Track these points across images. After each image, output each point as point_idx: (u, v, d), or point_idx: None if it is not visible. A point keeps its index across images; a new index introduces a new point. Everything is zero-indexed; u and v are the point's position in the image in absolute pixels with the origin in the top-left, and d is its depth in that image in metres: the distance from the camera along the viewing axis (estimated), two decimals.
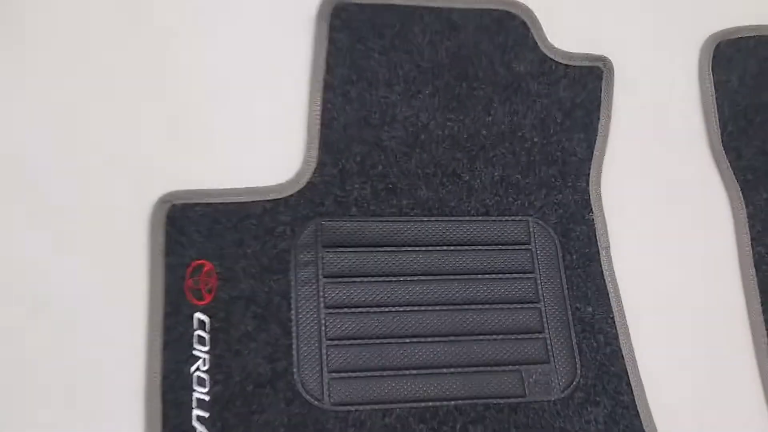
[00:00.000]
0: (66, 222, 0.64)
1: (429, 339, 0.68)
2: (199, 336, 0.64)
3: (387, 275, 0.69)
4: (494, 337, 0.69)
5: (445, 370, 0.66)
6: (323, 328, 0.65)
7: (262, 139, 0.70)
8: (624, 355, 0.68)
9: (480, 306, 0.69)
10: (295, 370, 0.64)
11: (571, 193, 0.74)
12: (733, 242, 0.70)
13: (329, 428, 0.60)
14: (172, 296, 0.64)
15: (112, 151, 0.67)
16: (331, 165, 0.69)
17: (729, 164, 0.74)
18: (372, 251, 0.70)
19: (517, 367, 0.67)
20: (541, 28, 0.75)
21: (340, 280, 0.68)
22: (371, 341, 0.67)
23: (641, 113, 0.75)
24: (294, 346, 0.64)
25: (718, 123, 0.76)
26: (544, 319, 0.70)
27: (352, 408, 0.62)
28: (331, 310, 0.67)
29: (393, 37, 0.72)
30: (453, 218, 0.71)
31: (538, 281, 0.71)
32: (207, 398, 0.65)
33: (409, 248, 0.70)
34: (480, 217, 0.72)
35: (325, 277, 0.69)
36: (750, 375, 0.66)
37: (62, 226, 0.63)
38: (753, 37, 0.78)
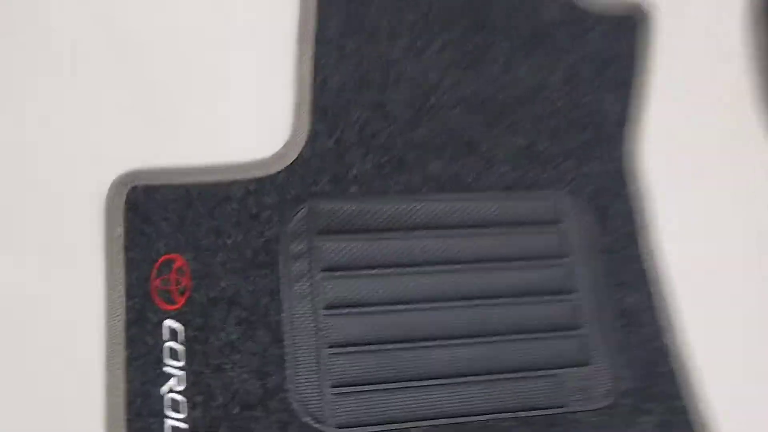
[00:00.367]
0: (2, 214, 0.50)
1: (447, 342, 0.58)
2: (170, 349, 0.54)
3: (395, 266, 0.59)
4: (524, 336, 0.59)
5: (468, 379, 0.57)
6: (321, 333, 0.56)
7: (241, 106, 0.60)
8: (674, 351, 0.59)
9: (506, 300, 0.60)
10: (289, 386, 0.54)
11: (606, 163, 0.64)
12: None
13: None
14: (136, 300, 0.54)
15: (59, 123, 0.53)
16: (326, 135, 0.60)
17: None
18: (377, 238, 0.60)
19: (552, 371, 0.59)
20: None
21: (339, 273, 0.58)
22: (380, 347, 0.57)
23: (685, 69, 0.63)
24: (287, 357, 0.55)
25: None
26: (581, 313, 0.60)
27: (360, 430, 0.53)
28: (329, 311, 0.57)
29: None
30: (470, 195, 0.62)
31: (572, 267, 0.62)
32: (184, 426, 0.53)
33: (421, 233, 0.60)
34: (502, 193, 0.63)
35: (321, 270, 0.59)
36: None
37: None
38: None
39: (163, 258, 0.56)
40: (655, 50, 0.71)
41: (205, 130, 0.58)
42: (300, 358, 0.55)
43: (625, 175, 0.68)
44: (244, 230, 0.57)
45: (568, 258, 0.62)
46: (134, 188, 0.56)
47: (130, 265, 0.55)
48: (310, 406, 0.53)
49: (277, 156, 0.59)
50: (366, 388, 0.55)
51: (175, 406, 0.52)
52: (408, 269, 0.59)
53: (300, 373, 0.54)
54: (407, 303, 0.58)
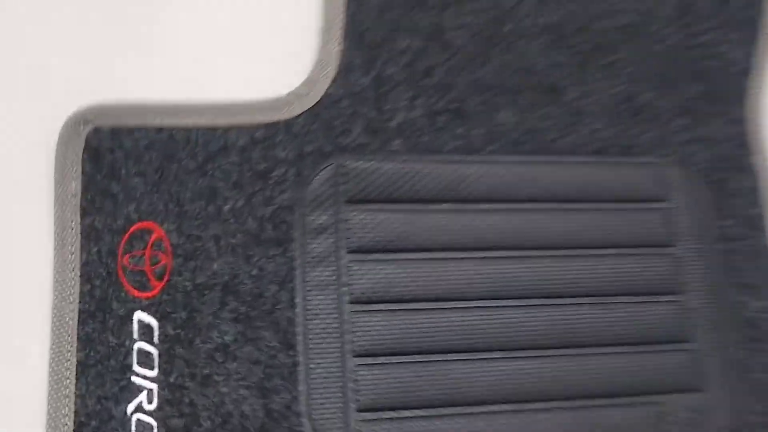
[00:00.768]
0: None
1: (515, 354, 0.46)
2: (141, 352, 0.42)
3: (447, 249, 0.47)
4: (616, 350, 0.47)
5: (540, 406, 0.45)
6: (347, 336, 0.44)
7: (246, 24, 0.47)
8: None
9: (593, 300, 0.48)
10: (302, 408, 0.42)
11: (726, 125, 0.52)
12: None
13: None
14: (96, 284, 0.42)
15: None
16: (361, 69, 0.48)
17: None
18: (424, 210, 0.47)
19: (653, 398, 0.46)
20: None
21: (373, 257, 0.46)
22: (424, 358, 0.45)
23: None
24: (300, 368, 0.43)
25: None
26: (692, 321, 0.48)
27: None
28: (359, 307, 0.45)
29: None
30: (550, 158, 0.49)
31: (681, 260, 0.49)
32: None
33: (483, 206, 0.48)
34: (591, 158, 0.50)
35: (349, 251, 0.46)
36: None
37: None
38: None
39: (134, 227, 0.43)
40: None
41: (195, 55, 0.45)
42: (318, 371, 0.43)
43: (750, 141, 0.51)
44: (247, 194, 0.44)
45: (676, 247, 0.49)
46: (96, 130, 0.44)
47: (89, 236, 0.42)
48: None
49: (295, 95, 0.46)
50: (405, 413, 0.44)
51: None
52: (464, 254, 0.47)
53: (317, 391, 0.43)
54: (462, 299, 0.46)
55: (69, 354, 0.41)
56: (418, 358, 0.44)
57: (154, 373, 0.42)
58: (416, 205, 0.47)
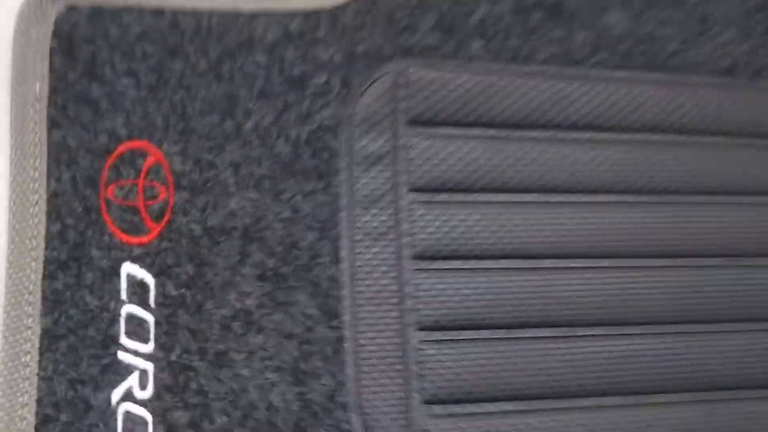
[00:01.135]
0: None
1: (628, 330, 0.35)
2: (132, 318, 0.31)
3: (541, 190, 0.36)
4: (760, 326, 0.37)
5: (660, 399, 0.35)
6: (409, 302, 0.33)
7: None
8: None
9: (729, 260, 0.37)
10: (349, 398, 0.32)
11: None
12: None
13: None
14: (69, 223, 0.31)
15: None
16: None
17: None
18: (510, 138, 0.36)
19: None
20: None
21: (443, 198, 0.35)
22: (511, 334, 0.34)
23: None
24: (347, 345, 0.32)
25: None
26: None
27: None
28: (425, 264, 0.34)
29: None
30: (669, 78, 0.37)
31: None
32: None
33: (584, 134, 0.37)
34: (719, 79, 0.38)
35: (412, 190, 0.35)
36: None
37: None
38: None
39: (122, 147, 0.32)
40: None
41: None
42: (370, 348, 0.33)
43: None
44: (277, 107, 0.33)
45: None
46: (70, 10, 0.33)
47: (59, 158, 0.31)
48: None
49: None
50: (486, 407, 0.33)
51: (137, 428, 0.29)
52: (561, 197, 0.36)
53: (370, 376, 0.32)
54: (559, 256, 0.36)
55: (29, 320, 0.29)
56: (500, 333, 0.33)
57: (149, 347, 0.30)
58: (499, 130, 0.35)
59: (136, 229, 0.31)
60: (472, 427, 0.32)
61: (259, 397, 0.30)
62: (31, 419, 0.29)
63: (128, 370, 0.30)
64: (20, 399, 0.29)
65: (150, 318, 0.30)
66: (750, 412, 0.34)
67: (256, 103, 0.33)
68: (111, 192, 0.31)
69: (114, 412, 0.29)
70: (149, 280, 0.31)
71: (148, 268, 0.31)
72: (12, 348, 0.29)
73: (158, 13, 0.32)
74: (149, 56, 0.32)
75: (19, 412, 0.29)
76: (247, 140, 0.32)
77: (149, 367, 0.30)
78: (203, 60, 0.32)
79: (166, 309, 0.31)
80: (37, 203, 0.30)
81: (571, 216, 0.35)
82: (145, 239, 0.31)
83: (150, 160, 0.31)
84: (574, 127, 0.36)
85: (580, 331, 0.34)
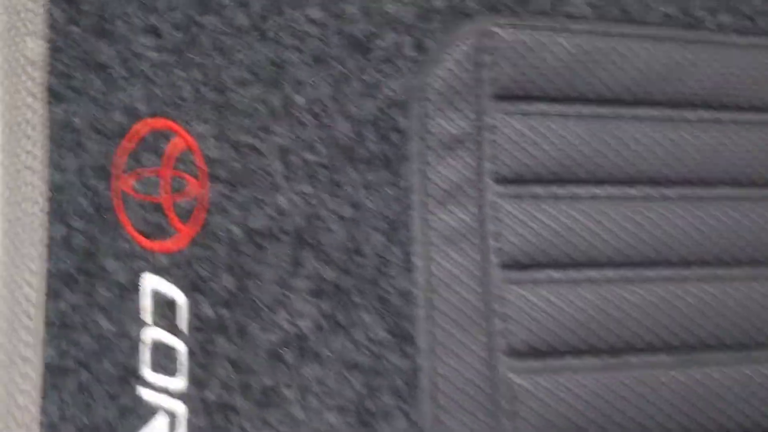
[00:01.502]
0: None
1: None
2: (158, 347, 0.25)
3: (656, 182, 0.29)
4: None
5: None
6: (497, 322, 0.27)
7: None
8: None
9: None
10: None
11: None
12: None
13: None
14: (76, 226, 0.24)
15: None
16: None
17: None
18: (619, 116, 0.29)
19: None
20: None
21: (538, 191, 0.28)
22: (625, 358, 0.28)
23: None
24: (424, 377, 0.26)
25: None
26: None
27: None
28: (516, 274, 0.27)
29: None
30: None
31: None
32: None
33: (711, 113, 0.30)
34: None
35: (499, 181, 0.28)
36: None
37: None
38: None
39: (142, 126, 0.25)
40: None
41: None
42: (452, 380, 0.27)
43: None
44: (335, 76, 0.27)
45: None
46: None
47: (62, 140, 0.25)
48: None
49: None
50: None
51: None
52: (677, 190, 0.30)
53: (452, 415, 0.26)
54: (679, 264, 0.29)
55: (27, 351, 0.23)
56: (606, 360, 0.27)
57: (179, 384, 0.24)
58: (604, 107, 0.29)
59: (160, 233, 0.24)
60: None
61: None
62: None
63: (153, 412, 0.24)
64: None
65: (180, 346, 0.24)
66: None
67: (309, 71, 0.26)
68: (128, 185, 0.24)
69: None
70: (179, 297, 0.24)
71: (177, 282, 0.24)
72: (5, 388, 0.23)
73: None
74: (175, 8, 0.25)
75: None
76: (298, 119, 0.26)
77: (180, 408, 0.24)
78: (242, 15, 0.25)
79: (201, 334, 0.24)
80: (34, 200, 0.23)
81: (696, 213, 0.29)
82: (172, 245, 0.24)
83: (177, 143, 0.25)
84: (692, 104, 0.29)
85: (698, 356, 0.28)
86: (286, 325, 0.25)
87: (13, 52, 0.24)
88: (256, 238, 0.25)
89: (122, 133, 0.24)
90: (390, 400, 0.25)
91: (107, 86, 0.24)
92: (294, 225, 0.25)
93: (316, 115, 0.26)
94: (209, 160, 0.25)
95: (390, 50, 0.27)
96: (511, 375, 0.26)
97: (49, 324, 0.23)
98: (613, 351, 0.28)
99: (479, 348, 0.26)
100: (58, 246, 0.24)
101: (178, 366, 0.24)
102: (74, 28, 0.24)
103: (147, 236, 0.24)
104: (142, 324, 0.24)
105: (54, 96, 0.24)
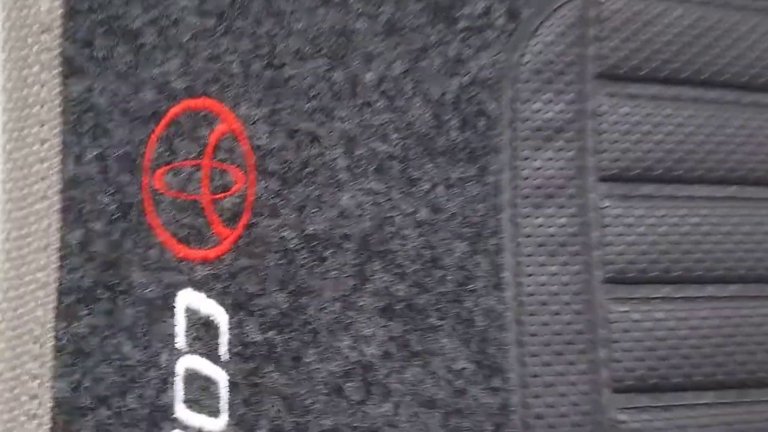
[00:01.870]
0: None
1: None
2: (194, 378, 0.20)
3: None
4: None
5: None
6: (603, 350, 0.22)
7: None
8: None
9: None
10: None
11: None
12: None
13: None
14: (96, 229, 0.19)
15: None
16: None
17: None
18: (743, 104, 0.24)
19: None
20: None
21: (651, 191, 0.23)
22: (754, 396, 0.23)
23: None
24: (515, 416, 0.21)
25: None
26: None
27: None
28: (625, 291, 0.22)
29: None
30: None
31: None
32: None
33: None
34: None
35: (604, 179, 0.23)
36: None
37: None
38: None
39: (178, 107, 0.21)
40: None
41: None
42: (550, 421, 0.22)
43: None
44: (413, 49, 0.22)
45: None
46: None
47: (83, 122, 0.20)
48: None
49: None
50: None
51: None
52: None
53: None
54: None
55: (35, 384, 0.19)
56: (732, 397, 0.22)
57: (219, 424, 0.19)
58: (729, 92, 0.24)
59: (199, 238, 0.20)
60: None
61: None
62: None
63: None
64: None
65: (221, 377, 0.20)
66: None
67: (381, 43, 0.21)
68: (161, 180, 0.20)
69: None
70: (220, 317, 0.20)
71: (218, 298, 0.20)
72: (8, 430, 0.18)
73: None
74: None
75: None
76: (367, 100, 0.21)
77: None
78: None
79: (246, 363, 0.20)
80: (44, 197, 0.19)
81: None
82: (212, 254, 0.20)
83: (220, 129, 0.20)
84: None
85: None
86: (348, 353, 0.20)
87: (23, 16, 0.20)
88: (314, 245, 0.20)
89: (155, 116, 0.20)
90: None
91: (137, 58, 0.20)
92: (360, 230, 0.21)
93: (388, 96, 0.21)
94: (258, 150, 0.20)
95: (478, 19, 0.22)
96: (617, 414, 0.22)
97: (60, 351, 0.19)
98: (736, 384, 0.23)
99: (580, 381, 0.22)
100: (73, 254, 0.19)
101: (218, 403, 0.20)
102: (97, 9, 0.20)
103: (182, 242, 0.20)
104: (175, 351, 0.19)
105: (71, 69, 0.20)
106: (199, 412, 0.19)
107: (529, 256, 0.22)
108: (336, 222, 0.21)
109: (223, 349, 0.20)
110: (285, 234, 0.20)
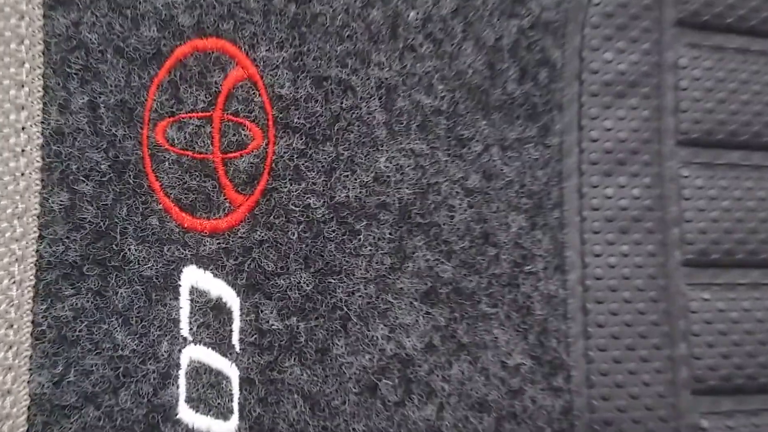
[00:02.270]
0: None
1: None
2: (199, 371, 0.16)
3: None
4: None
5: None
6: (683, 346, 0.19)
7: None
8: None
9: None
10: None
11: None
12: None
13: None
14: (84, 191, 0.16)
15: None
16: None
17: None
18: None
19: None
20: None
21: (736, 159, 0.19)
22: None
23: None
24: (581, 420, 0.18)
25: None
26: None
27: None
28: (709, 275, 0.19)
29: None
30: None
31: None
32: None
33: None
34: None
35: (684, 144, 0.19)
36: None
37: None
38: None
39: (185, 48, 0.17)
40: None
41: None
42: (620, 425, 0.18)
43: None
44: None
45: None
46: None
47: (70, 62, 0.16)
48: None
49: None
50: None
51: None
52: None
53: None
54: None
55: (8, 378, 0.15)
56: None
57: (229, 428, 0.16)
58: None
59: (207, 205, 0.17)
60: None
61: None
62: None
63: None
64: None
65: (233, 371, 0.16)
66: None
67: None
68: (163, 133, 0.16)
69: None
70: (232, 300, 0.16)
71: (230, 277, 0.16)
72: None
73: None
74: None
75: None
76: (409, 43, 0.18)
77: None
78: None
79: (262, 355, 0.16)
80: (22, 152, 0.16)
81: None
82: (223, 224, 0.17)
83: (234, 75, 0.17)
84: None
85: None
86: (384, 344, 0.17)
87: None
88: (344, 216, 0.17)
89: (157, 57, 0.17)
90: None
91: None
92: (399, 198, 0.17)
93: (434, 40, 0.18)
94: (279, 101, 0.17)
95: None
96: (698, 420, 0.18)
97: (39, 337, 0.15)
98: None
99: (655, 381, 0.18)
100: (55, 221, 0.16)
101: (228, 401, 0.16)
102: None
103: (188, 210, 0.16)
104: (178, 339, 0.16)
105: (56, 0, 0.16)
106: (206, 413, 0.16)
107: (596, 233, 0.18)
108: (371, 188, 0.17)
109: (235, 339, 0.16)
110: (310, 202, 0.17)
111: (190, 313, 0.16)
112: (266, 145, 0.17)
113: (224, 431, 0.16)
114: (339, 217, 0.17)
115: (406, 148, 0.18)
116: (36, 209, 0.16)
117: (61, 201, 0.16)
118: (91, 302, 0.16)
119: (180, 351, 0.16)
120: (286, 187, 0.17)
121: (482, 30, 0.18)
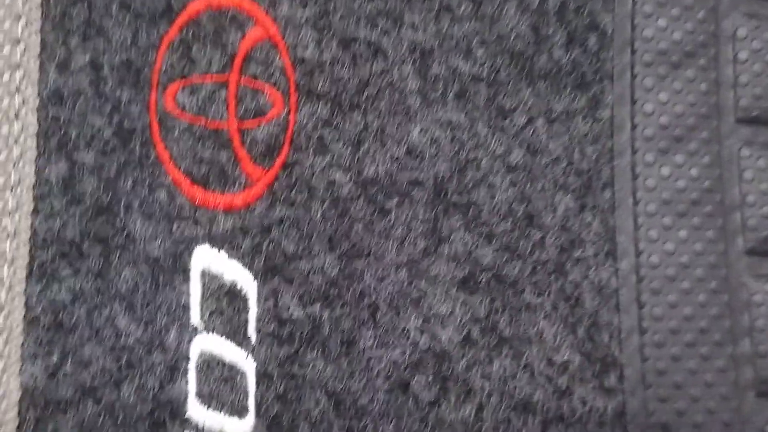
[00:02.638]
0: None
1: None
2: (211, 364, 0.14)
3: None
4: None
5: None
6: (746, 343, 0.16)
7: None
8: None
9: None
10: None
11: None
12: None
13: None
14: (88, 163, 0.14)
15: None
16: None
17: None
18: None
19: None
20: None
21: None
22: None
23: None
24: (634, 424, 0.16)
25: None
26: None
27: None
28: (759, 248, 0.17)
29: None
30: None
31: None
32: None
33: None
34: None
35: (744, 121, 0.17)
36: None
37: None
38: None
39: (198, 4, 0.15)
40: None
41: None
42: (678, 428, 0.16)
43: None
44: None
45: None
46: None
47: (71, 19, 0.15)
48: None
49: None
50: None
51: None
52: None
53: None
54: None
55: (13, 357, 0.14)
56: None
57: (244, 427, 0.14)
58: None
59: (222, 179, 0.15)
60: None
61: None
62: None
63: None
64: None
65: (249, 364, 0.15)
66: None
67: None
68: (173, 98, 0.15)
69: None
70: (248, 285, 0.15)
71: (246, 259, 0.15)
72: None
73: None
74: None
75: None
76: (446, 3, 0.16)
77: None
78: None
79: (282, 346, 0.15)
80: (16, 116, 0.14)
81: None
82: (239, 200, 0.15)
83: (253, 35, 0.15)
84: None
85: None
86: (417, 337, 0.15)
87: None
88: (373, 193, 0.15)
89: (167, 14, 0.15)
90: None
91: None
92: (434, 174, 0.16)
93: (473, 0, 0.16)
94: (302, 64, 0.15)
95: None
96: (765, 425, 0.16)
97: (32, 323, 0.14)
98: None
99: (718, 381, 0.16)
100: (52, 194, 0.14)
101: (243, 398, 0.15)
102: None
103: (200, 184, 0.15)
104: (188, 328, 0.14)
105: None
106: (219, 410, 0.15)
107: (651, 216, 0.17)
108: (403, 163, 0.16)
109: (252, 328, 0.15)
110: (335, 177, 0.15)
111: (202, 298, 0.15)
112: (287, 113, 0.15)
113: (239, 431, 0.15)
114: (367, 195, 0.16)
115: (442, 118, 0.16)
116: (31, 180, 0.14)
117: (58, 171, 0.14)
118: (91, 284, 0.14)
119: (190, 341, 0.15)
120: (308, 160, 0.15)
121: None
